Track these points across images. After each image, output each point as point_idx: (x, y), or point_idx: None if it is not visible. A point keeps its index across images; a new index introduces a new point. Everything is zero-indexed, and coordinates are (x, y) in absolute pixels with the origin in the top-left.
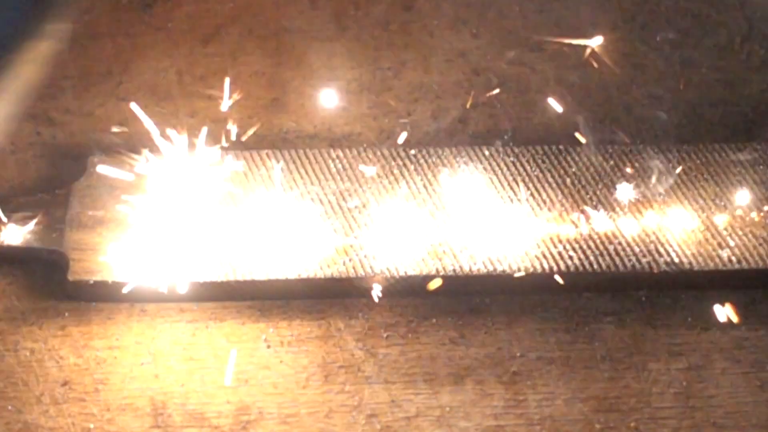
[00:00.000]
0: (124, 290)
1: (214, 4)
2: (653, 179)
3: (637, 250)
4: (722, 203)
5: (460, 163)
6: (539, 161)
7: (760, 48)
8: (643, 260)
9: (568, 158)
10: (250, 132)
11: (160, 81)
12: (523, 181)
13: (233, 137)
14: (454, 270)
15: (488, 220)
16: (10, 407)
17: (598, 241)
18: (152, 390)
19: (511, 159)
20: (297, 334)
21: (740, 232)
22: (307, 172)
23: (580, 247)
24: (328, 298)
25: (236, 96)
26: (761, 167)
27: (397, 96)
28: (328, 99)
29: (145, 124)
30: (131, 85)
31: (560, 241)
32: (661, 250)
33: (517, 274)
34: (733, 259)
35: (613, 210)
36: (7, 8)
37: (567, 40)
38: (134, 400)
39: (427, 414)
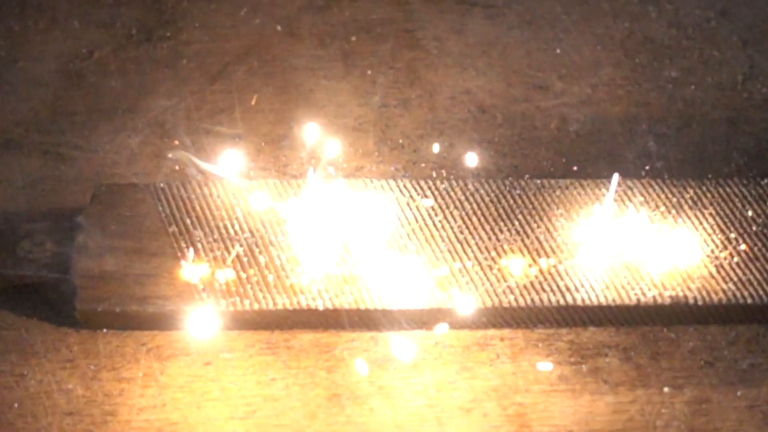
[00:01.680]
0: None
1: (222, 42)
2: (658, 214)
3: (642, 283)
4: (727, 238)
5: (465, 195)
6: (545, 194)
7: (762, 86)
8: (648, 294)
9: (574, 192)
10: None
11: (168, 117)
12: (529, 214)
13: (240, 172)
14: (460, 303)
15: (493, 253)
16: None
17: (603, 275)
18: (160, 421)
19: (517, 192)
20: (304, 367)
21: (744, 267)
22: (314, 203)
23: (586, 280)
24: (334, 330)
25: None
26: (765, 202)
27: (403, 133)
28: (335, 136)
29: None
30: (140, 122)
31: (567, 275)
32: (666, 284)
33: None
34: (738, 294)
35: (618, 243)
36: None
37: (571, 78)
38: (142, 431)
39: None
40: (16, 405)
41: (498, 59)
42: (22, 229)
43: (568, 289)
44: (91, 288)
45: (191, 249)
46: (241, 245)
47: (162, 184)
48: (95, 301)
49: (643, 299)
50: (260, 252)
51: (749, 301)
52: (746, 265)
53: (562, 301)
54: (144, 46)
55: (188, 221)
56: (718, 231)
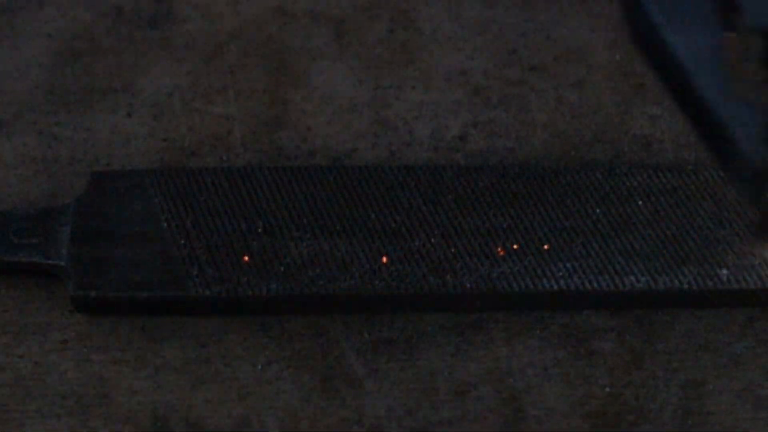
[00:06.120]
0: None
1: (217, 22)
2: (653, 197)
3: (636, 268)
4: (721, 222)
5: (461, 180)
6: (539, 180)
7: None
8: (642, 279)
9: (568, 177)
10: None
11: (163, 98)
12: (523, 198)
13: (233, 154)
14: (455, 287)
15: (488, 237)
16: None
17: (597, 260)
18: (154, 404)
19: (512, 177)
20: (298, 350)
21: (739, 252)
22: (308, 189)
23: (580, 266)
24: (328, 313)
25: (237, 112)
26: None
27: (398, 114)
28: (329, 117)
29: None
30: (134, 102)
31: (560, 260)
32: (660, 268)
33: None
34: (732, 278)
35: (612, 229)
36: None
37: (566, 60)
38: (135, 413)
39: (428, 429)
40: (8, 387)
41: (493, 40)
42: (15, 213)
43: (562, 275)
44: (85, 274)
45: (186, 234)
46: (235, 230)
47: (157, 170)
48: (89, 287)
49: (637, 285)
50: (254, 238)
51: (744, 285)
52: (741, 250)
53: (556, 287)
54: (138, 25)
55: (183, 207)
56: (713, 215)
